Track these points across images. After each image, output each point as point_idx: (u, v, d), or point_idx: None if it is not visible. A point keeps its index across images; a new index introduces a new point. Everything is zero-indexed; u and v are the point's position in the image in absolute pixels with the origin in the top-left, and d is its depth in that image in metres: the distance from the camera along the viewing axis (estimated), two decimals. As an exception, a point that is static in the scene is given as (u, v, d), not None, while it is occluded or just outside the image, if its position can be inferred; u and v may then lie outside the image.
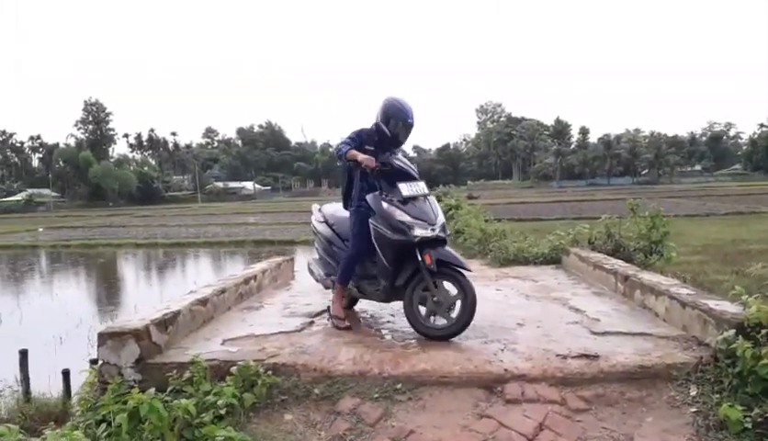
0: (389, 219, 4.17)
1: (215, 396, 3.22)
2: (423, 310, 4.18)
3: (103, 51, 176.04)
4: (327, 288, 5.04)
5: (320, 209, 5.36)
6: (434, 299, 4.13)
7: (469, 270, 4.18)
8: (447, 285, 4.17)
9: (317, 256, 5.36)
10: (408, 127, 4.47)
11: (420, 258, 4.11)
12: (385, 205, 4.23)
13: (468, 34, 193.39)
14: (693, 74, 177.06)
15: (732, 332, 3.27)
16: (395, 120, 4.44)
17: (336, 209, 5.16)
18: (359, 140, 4.50)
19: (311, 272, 5.29)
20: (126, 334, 3.61)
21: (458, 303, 4.09)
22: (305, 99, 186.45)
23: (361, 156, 4.27)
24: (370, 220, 4.31)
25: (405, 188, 4.26)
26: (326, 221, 5.14)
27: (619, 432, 3.01)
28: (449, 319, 4.11)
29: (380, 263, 4.29)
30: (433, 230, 4.17)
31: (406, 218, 4.15)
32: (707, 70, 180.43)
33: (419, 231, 4.12)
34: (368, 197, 4.36)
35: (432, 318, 4.18)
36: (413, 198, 4.26)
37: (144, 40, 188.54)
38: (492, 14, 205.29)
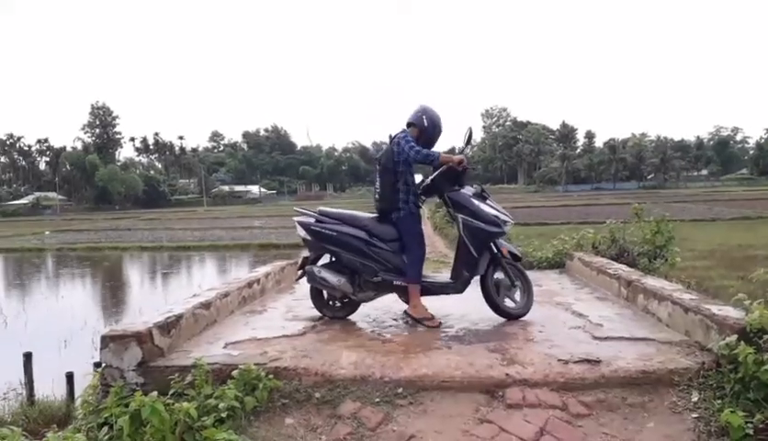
0: (483, 214, 4.77)
1: (216, 399, 3.21)
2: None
3: (111, 55, 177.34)
4: (348, 293, 4.86)
5: (325, 214, 4.98)
6: (508, 284, 4.88)
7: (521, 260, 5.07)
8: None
9: (323, 264, 5.00)
10: (440, 133, 4.99)
11: (496, 249, 4.83)
12: (476, 201, 4.84)
13: (475, 38, 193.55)
14: (700, 78, 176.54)
15: (735, 337, 3.25)
16: (437, 129, 4.93)
17: (341, 212, 5.02)
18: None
19: (324, 281, 4.85)
20: (128, 337, 3.62)
21: (520, 289, 4.90)
22: (312, 103, 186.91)
23: (456, 157, 4.71)
24: (460, 216, 4.77)
25: (478, 189, 4.99)
26: (351, 223, 4.87)
27: (620, 437, 3.00)
28: (516, 302, 4.88)
29: (467, 255, 4.77)
30: (511, 223, 4.91)
31: (496, 213, 4.83)
32: (715, 74, 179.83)
33: (509, 225, 4.87)
34: (455, 195, 4.84)
35: (505, 300, 4.87)
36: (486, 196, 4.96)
37: (152, 44, 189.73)
38: (499, 18, 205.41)
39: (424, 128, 4.86)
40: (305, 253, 5.21)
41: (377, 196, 4.90)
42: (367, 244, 4.78)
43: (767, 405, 2.94)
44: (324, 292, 5.03)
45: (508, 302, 4.87)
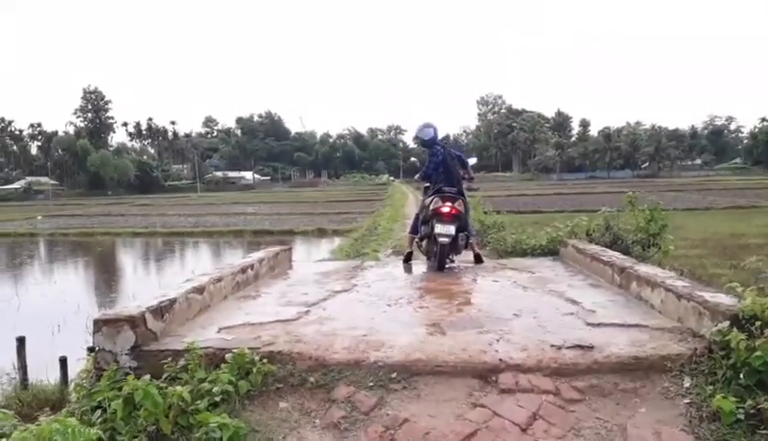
0: None
1: (210, 383, 3.22)
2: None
3: (103, 39, 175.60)
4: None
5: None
6: None
7: None
8: None
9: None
10: None
11: None
12: None
13: (470, 24, 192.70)
14: (694, 67, 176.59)
15: (727, 323, 3.27)
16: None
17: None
18: None
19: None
20: (121, 321, 3.61)
21: None
22: (306, 89, 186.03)
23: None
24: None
25: None
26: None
27: (612, 422, 3.02)
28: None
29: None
30: None
31: None
32: (709, 63, 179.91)
33: None
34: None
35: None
36: None
37: (145, 29, 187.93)
38: (495, 5, 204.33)
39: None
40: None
41: (453, 182, 6.80)
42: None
43: (758, 391, 2.96)
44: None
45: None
